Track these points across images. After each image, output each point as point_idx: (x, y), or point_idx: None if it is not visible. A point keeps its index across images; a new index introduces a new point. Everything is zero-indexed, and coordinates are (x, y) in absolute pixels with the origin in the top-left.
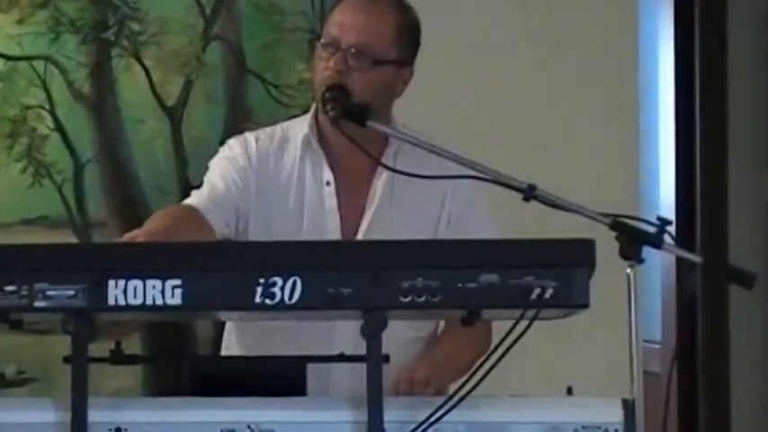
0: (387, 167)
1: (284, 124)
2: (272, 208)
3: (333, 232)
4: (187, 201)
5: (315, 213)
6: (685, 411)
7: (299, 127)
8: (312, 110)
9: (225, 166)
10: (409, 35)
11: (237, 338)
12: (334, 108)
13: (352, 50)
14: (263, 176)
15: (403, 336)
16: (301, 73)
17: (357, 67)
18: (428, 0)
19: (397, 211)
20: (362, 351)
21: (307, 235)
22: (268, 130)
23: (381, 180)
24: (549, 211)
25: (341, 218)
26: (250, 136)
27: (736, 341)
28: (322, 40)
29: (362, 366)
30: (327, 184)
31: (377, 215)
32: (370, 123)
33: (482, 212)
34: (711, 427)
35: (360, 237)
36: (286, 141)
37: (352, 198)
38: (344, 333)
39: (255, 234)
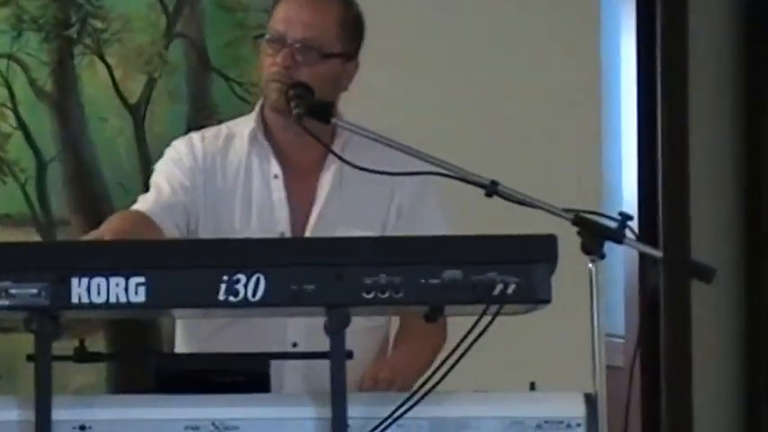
0: (353, 165)
1: (228, 123)
2: (220, 205)
3: (282, 225)
4: (135, 206)
5: (264, 207)
6: (648, 405)
7: (244, 124)
8: (258, 105)
9: (171, 170)
10: (353, 28)
11: (191, 335)
12: (299, 106)
13: (298, 45)
14: (211, 175)
15: (355, 326)
16: None
17: (304, 62)
18: None
19: (346, 204)
20: (315, 341)
21: (256, 228)
22: (213, 129)
23: (330, 172)
24: (511, 207)
25: (290, 210)
26: (195, 135)
27: (699, 335)
28: (267, 36)
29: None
30: (276, 177)
31: (326, 207)
32: (334, 120)
33: (431, 206)
34: (674, 422)
35: (309, 229)
36: (232, 138)
37: (300, 191)
38: (296, 324)
39: (206, 232)
